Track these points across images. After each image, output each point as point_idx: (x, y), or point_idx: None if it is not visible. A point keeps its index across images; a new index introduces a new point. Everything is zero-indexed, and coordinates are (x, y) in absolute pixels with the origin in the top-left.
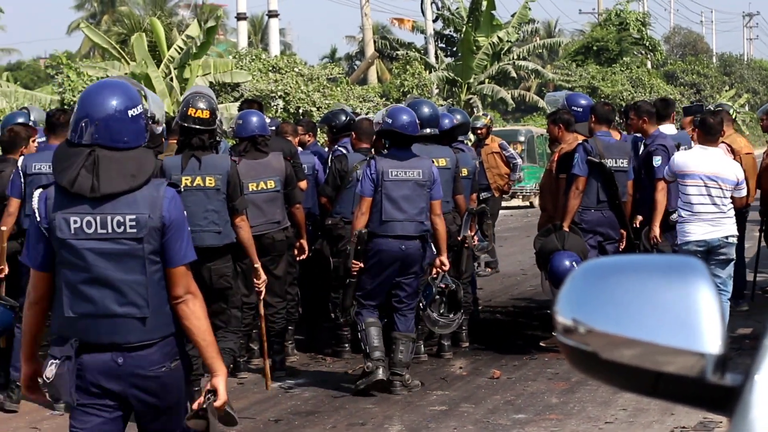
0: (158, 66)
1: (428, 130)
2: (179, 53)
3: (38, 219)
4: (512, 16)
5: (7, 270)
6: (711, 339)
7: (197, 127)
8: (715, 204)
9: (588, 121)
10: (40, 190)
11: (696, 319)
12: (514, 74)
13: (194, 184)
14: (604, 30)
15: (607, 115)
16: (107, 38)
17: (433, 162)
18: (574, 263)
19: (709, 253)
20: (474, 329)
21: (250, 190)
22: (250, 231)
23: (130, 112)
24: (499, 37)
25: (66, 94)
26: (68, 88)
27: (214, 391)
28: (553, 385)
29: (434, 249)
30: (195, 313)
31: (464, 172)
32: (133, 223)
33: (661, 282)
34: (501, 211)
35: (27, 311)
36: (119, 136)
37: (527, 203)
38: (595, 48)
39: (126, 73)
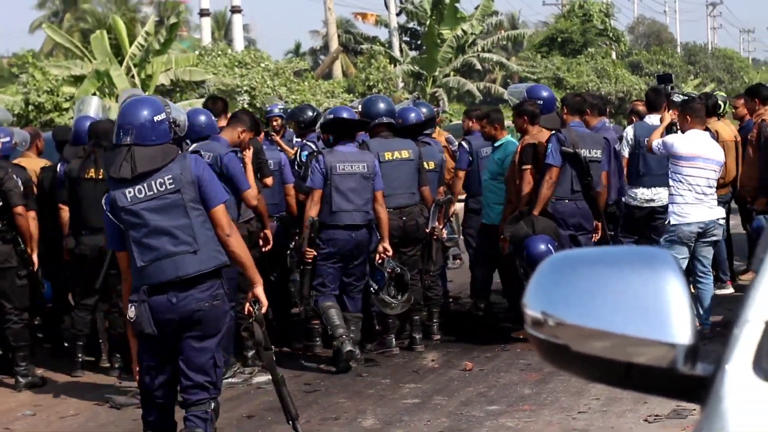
0: (121, 63)
1: (385, 120)
2: (140, 50)
3: (107, 210)
4: (476, 8)
5: None
6: (681, 329)
7: None
8: (710, 186)
9: (555, 112)
10: (105, 195)
11: (666, 309)
12: (479, 66)
13: None
14: (568, 21)
15: (578, 106)
16: (69, 37)
17: (375, 156)
18: (549, 245)
19: (700, 235)
20: (445, 322)
21: None
22: None
23: (155, 119)
24: (463, 29)
25: (30, 94)
26: (33, 87)
27: (257, 300)
28: (525, 376)
29: (378, 235)
30: (236, 244)
31: (431, 165)
32: (171, 180)
33: (630, 273)
34: (460, 204)
35: (125, 291)
36: (149, 137)
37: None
38: (559, 39)
39: (89, 72)
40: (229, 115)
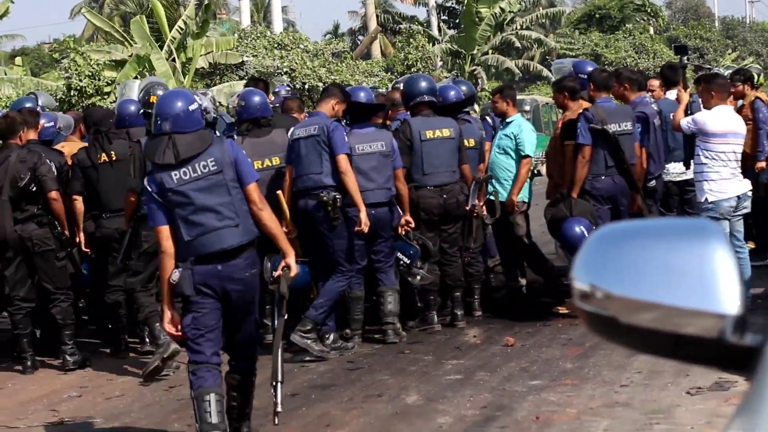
0: (161, 47)
1: (426, 98)
2: (180, 34)
3: (149, 189)
4: None
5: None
6: (729, 300)
7: None
8: (738, 160)
9: (588, 88)
10: (146, 177)
11: (714, 280)
12: (517, 44)
13: None
14: None
15: (605, 82)
16: (109, 22)
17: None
18: (583, 228)
19: (735, 208)
20: (486, 298)
21: (256, 168)
22: None
23: (190, 109)
24: (501, 7)
25: (72, 79)
26: (74, 72)
27: (288, 266)
28: (567, 351)
29: (400, 211)
30: (268, 217)
31: (471, 142)
32: (213, 162)
33: (678, 245)
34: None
35: (162, 262)
36: (185, 125)
37: (535, 171)
38: (597, 16)
39: (130, 56)
40: (270, 95)
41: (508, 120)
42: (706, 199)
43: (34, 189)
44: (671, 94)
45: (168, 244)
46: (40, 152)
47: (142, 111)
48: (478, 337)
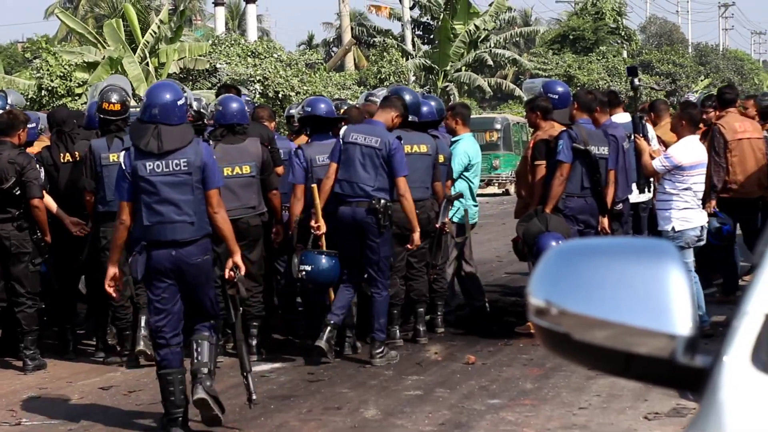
0: (134, 51)
1: (409, 118)
2: (153, 38)
3: (124, 167)
4: (490, 5)
5: None
6: (682, 321)
7: (111, 117)
8: (702, 190)
9: (569, 108)
10: (124, 151)
11: (667, 300)
12: (490, 62)
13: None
14: (581, 19)
15: (589, 104)
16: (83, 24)
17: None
18: (560, 243)
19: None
20: (449, 315)
21: (225, 174)
22: None
23: (177, 102)
24: (476, 25)
25: (44, 79)
26: (45, 72)
27: (237, 267)
28: (527, 370)
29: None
30: (221, 220)
31: (441, 158)
32: (186, 163)
33: (633, 264)
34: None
35: (118, 230)
36: (171, 117)
37: (503, 190)
38: (571, 37)
39: (103, 58)
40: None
41: (454, 139)
42: (673, 228)
43: (18, 192)
44: (619, 117)
45: (126, 217)
46: (31, 156)
47: (96, 114)
48: (439, 354)
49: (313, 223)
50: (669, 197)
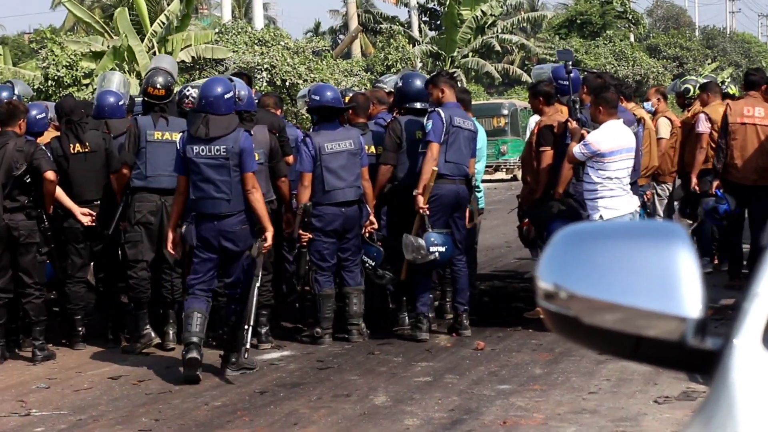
0: (142, 40)
1: (419, 105)
2: (162, 27)
3: (179, 147)
4: None
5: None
6: (691, 303)
7: (155, 101)
8: (629, 176)
9: (579, 92)
10: (181, 133)
11: (676, 283)
12: (498, 48)
13: (164, 138)
14: (588, 3)
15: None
16: (90, 13)
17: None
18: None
19: None
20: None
21: None
22: None
23: (225, 95)
24: (482, 10)
25: (50, 69)
26: (52, 62)
27: (265, 239)
28: (536, 356)
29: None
30: (254, 198)
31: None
32: (225, 149)
33: (642, 247)
34: (485, 184)
35: (176, 200)
36: (219, 108)
37: (511, 176)
38: (578, 21)
39: (109, 47)
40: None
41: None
42: (600, 216)
43: (29, 180)
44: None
45: (183, 188)
46: (38, 144)
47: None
48: (448, 340)
49: (422, 203)
50: (594, 185)
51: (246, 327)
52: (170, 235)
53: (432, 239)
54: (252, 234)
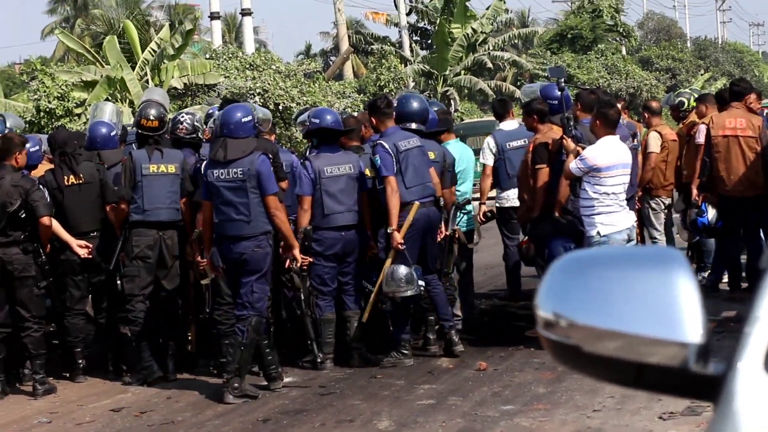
0: (133, 68)
1: (414, 126)
2: (153, 55)
3: (203, 174)
4: (487, 9)
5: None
6: (692, 328)
7: (149, 133)
8: (625, 192)
9: (573, 109)
10: (204, 161)
11: (677, 309)
12: (490, 65)
13: (159, 171)
14: (578, 18)
15: (592, 103)
16: (81, 42)
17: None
18: (571, 247)
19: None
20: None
21: None
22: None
23: (244, 120)
24: (473, 28)
25: (41, 101)
26: (43, 94)
27: (294, 258)
28: (539, 375)
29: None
30: (278, 220)
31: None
32: (242, 172)
33: (641, 273)
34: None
35: (204, 226)
36: (238, 132)
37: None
38: (569, 36)
39: (101, 77)
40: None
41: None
42: (598, 232)
43: (23, 216)
44: (508, 125)
45: (208, 214)
46: (34, 179)
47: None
48: (450, 362)
49: (399, 239)
50: (591, 201)
51: (309, 342)
52: (207, 252)
53: (418, 273)
54: (265, 258)
